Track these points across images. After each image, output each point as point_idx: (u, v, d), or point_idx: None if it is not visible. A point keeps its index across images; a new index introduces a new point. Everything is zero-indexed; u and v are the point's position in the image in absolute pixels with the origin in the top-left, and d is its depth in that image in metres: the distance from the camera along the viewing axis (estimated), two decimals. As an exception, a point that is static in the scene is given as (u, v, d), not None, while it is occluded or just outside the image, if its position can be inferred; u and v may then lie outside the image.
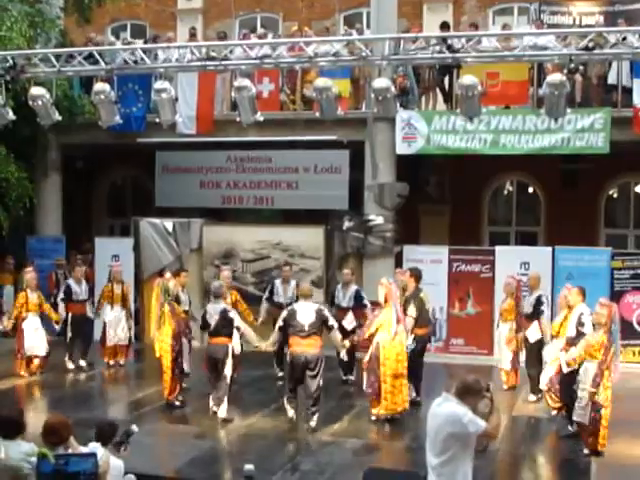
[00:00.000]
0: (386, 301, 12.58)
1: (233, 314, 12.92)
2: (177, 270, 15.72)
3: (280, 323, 12.49)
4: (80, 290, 16.77)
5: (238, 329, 12.97)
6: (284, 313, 12.62)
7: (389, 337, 12.43)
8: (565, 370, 11.82)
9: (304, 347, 12.12)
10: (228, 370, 12.76)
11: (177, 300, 14.19)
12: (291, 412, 12.46)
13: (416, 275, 13.88)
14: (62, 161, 21.07)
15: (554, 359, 12.91)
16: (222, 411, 12.77)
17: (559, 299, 13.48)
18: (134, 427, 8.11)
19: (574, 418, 11.37)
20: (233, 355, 13.08)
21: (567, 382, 11.82)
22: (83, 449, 7.37)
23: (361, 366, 13.19)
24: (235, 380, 13.93)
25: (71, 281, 16.93)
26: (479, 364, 15.28)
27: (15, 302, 16.33)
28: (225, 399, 12.77)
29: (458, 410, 6.70)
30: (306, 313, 12.24)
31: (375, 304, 13.94)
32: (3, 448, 6.99)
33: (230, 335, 12.87)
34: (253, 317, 15.54)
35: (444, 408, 6.80)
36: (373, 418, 12.77)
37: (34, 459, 6.86)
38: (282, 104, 19.24)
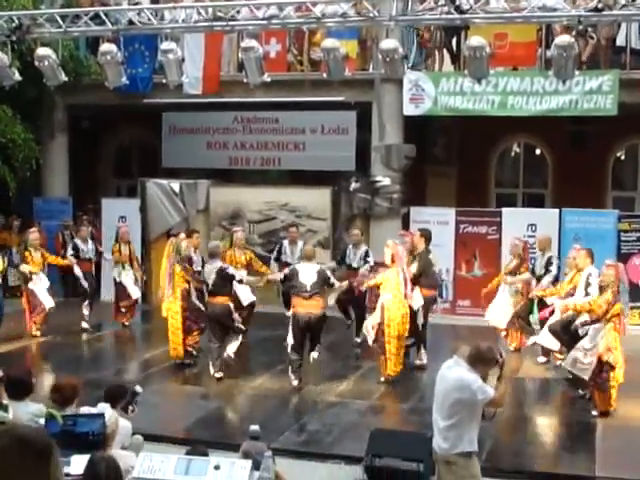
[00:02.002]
0: (393, 262, 12.61)
1: (231, 270, 13.02)
2: (190, 231, 15.76)
3: (281, 276, 12.93)
4: (87, 249, 17.00)
5: (241, 282, 13.15)
6: (286, 270, 12.92)
7: (394, 298, 12.46)
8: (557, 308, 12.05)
9: (307, 308, 12.26)
10: (237, 322, 12.87)
11: (190, 261, 14.20)
12: (295, 382, 12.50)
13: (426, 236, 13.92)
14: (68, 122, 21.03)
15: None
16: (231, 348, 12.80)
17: (567, 260, 13.51)
18: (138, 387, 8.15)
19: (570, 369, 11.49)
20: (243, 308, 13.18)
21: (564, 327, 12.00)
22: (92, 410, 7.42)
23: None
24: (246, 335, 13.90)
25: (77, 240, 17.16)
26: (485, 326, 15.27)
27: (24, 261, 16.21)
28: (238, 340, 12.88)
29: (468, 376, 6.72)
30: (308, 274, 12.40)
31: (381, 265, 13.96)
32: (11, 409, 7.05)
33: (229, 294, 12.99)
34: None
35: (454, 372, 6.82)
36: (382, 379, 12.77)
37: (42, 420, 6.91)
38: (289, 65, 19.12)
